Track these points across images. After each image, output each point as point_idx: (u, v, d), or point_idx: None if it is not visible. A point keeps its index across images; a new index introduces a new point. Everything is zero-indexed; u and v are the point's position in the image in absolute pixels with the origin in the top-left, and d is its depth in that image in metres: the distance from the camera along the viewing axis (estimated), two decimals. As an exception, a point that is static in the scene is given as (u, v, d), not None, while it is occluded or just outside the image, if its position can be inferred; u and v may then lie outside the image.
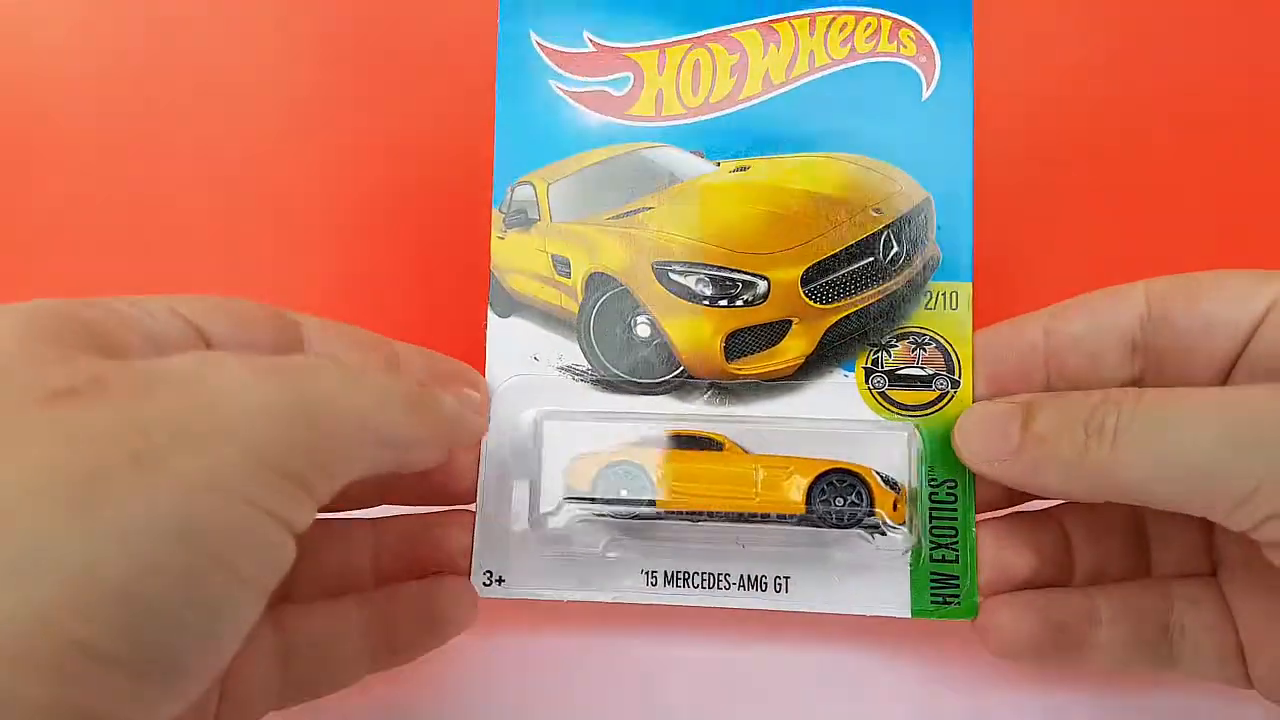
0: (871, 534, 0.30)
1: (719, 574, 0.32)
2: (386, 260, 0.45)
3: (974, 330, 0.33)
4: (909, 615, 0.32)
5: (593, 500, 0.30)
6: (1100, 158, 0.44)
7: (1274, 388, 0.25)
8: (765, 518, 0.29)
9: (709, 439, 0.30)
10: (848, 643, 0.33)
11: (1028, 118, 0.44)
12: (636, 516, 0.30)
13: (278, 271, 0.43)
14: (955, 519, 0.32)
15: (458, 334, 0.35)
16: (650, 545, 0.33)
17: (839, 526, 0.29)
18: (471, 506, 0.33)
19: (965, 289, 0.33)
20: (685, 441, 0.30)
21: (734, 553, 0.32)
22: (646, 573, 0.33)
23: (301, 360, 0.24)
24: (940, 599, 0.32)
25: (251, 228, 0.44)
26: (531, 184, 0.35)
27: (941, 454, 0.32)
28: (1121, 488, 0.27)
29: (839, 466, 0.29)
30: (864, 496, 0.29)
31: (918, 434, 0.32)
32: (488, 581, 0.33)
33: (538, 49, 0.35)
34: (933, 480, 0.32)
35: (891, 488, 0.29)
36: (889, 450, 0.30)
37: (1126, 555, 0.32)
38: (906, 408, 0.33)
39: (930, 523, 0.32)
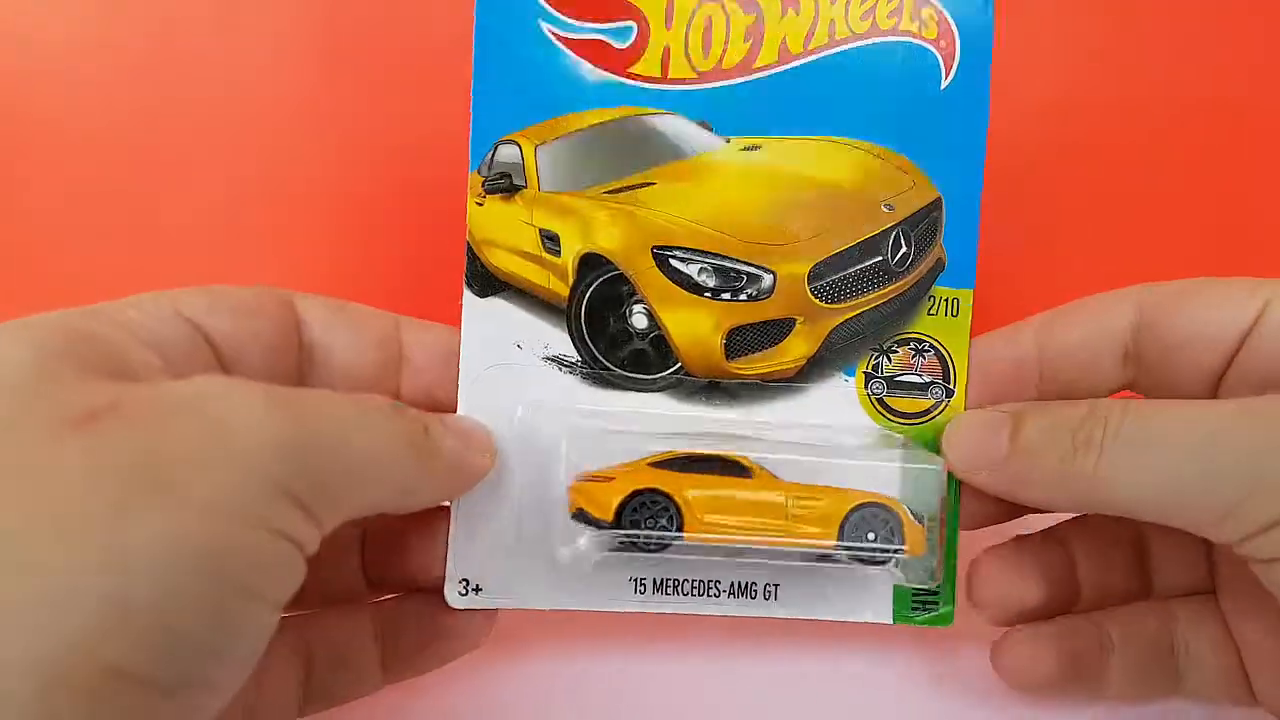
0: (899, 567, 0.29)
1: (709, 581, 0.31)
2: (348, 227, 0.42)
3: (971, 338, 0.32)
4: (890, 622, 0.32)
5: (616, 533, 0.28)
6: (1106, 162, 0.44)
7: (1249, 402, 0.26)
8: (788, 553, 0.28)
9: (735, 463, 0.29)
10: (835, 647, 0.33)
11: (1034, 120, 0.43)
12: (661, 548, 0.28)
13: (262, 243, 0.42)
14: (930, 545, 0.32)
15: (429, 313, 0.31)
16: (638, 552, 0.31)
17: (871, 563, 0.29)
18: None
19: (967, 296, 0.32)
20: (710, 465, 0.28)
21: (723, 561, 0.31)
22: (635, 580, 0.31)
23: (312, 395, 0.23)
24: (920, 606, 0.32)
25: (233, 198, 0.43)
26: (517, 144, 0.31)
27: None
28: (1107, 500, 0.27)
29: (873, 500, 0.28)
30: (895, 532, 0.28)
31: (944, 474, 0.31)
32: (464, 591, 0.30)
33: (530, -18, 0.30)
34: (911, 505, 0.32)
35: (920, 521, 0.29)
36: (922, 486, 0.29)
37: (1129, 574, 0.33)
38: (903, 415, 0.32)
39: (916, 530, 0.32)
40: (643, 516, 0.28)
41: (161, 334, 0.25)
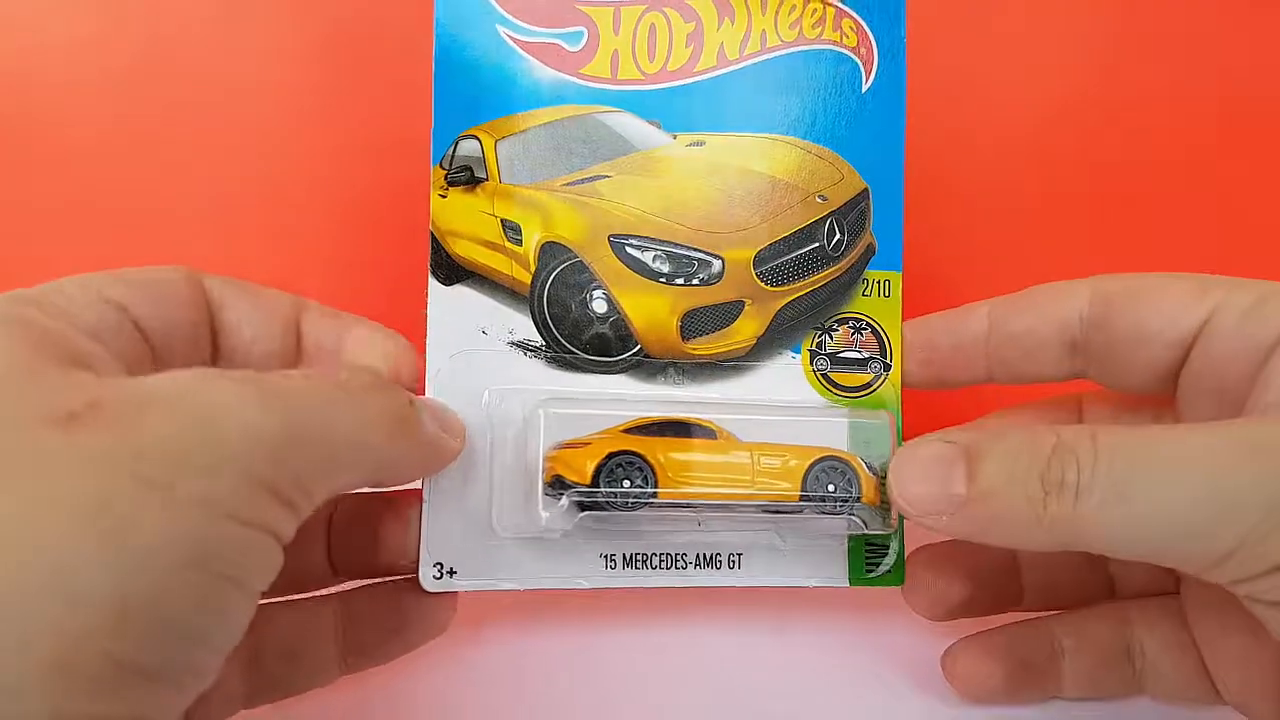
0: (859, 517, 0.31)
1: (676, 554, 0.32)
2: (316, 218, 0.43)
3: (903, 317, 0.35)
4: (847, 584, 0.34)
5: (594, 492, 0.29)
6: (1033, 155, 0.48)
7: (1240, 441, 0.24)
8: (761, 506, 0.30)
9: (702, 426, 0.30)
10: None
11: (959, 114, 0.47)
12: (636, 506, 0.29)
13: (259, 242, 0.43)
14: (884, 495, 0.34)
15: (395, 301, 0.31)
16: (608, 528, 0.32)
17: (832, 513, 0.30)
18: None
19: (896, 278, 0.35)
20: (680, 429, 0.30)
21: (689, 532, 0.32)
22: (605, 556, 0.32)
23: (292, 381, 0.23)
24: (873, 567, 0.34)
25: (232, 198, 0.44)
26: (478, 139, 0.32)
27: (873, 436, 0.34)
28: (1087, 544, 0.25)
29: (830, 454, 0.30)
30: (854, 483, 0.30)
31: (895, 421, 0.33)
32: (438, 574, 0.30)
33: (488, -11, 0.32)
34: (865, 458, 0.34)
35: (873, 473, 0.31)
36: (873, 438, 0.31)
37: (1084, 573, 0.34)
38: (845, 389, 0.34)
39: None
40: (618, 478, 0.29)
41: (95, 322, 0.25)
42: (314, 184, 0.45)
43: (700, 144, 0.34)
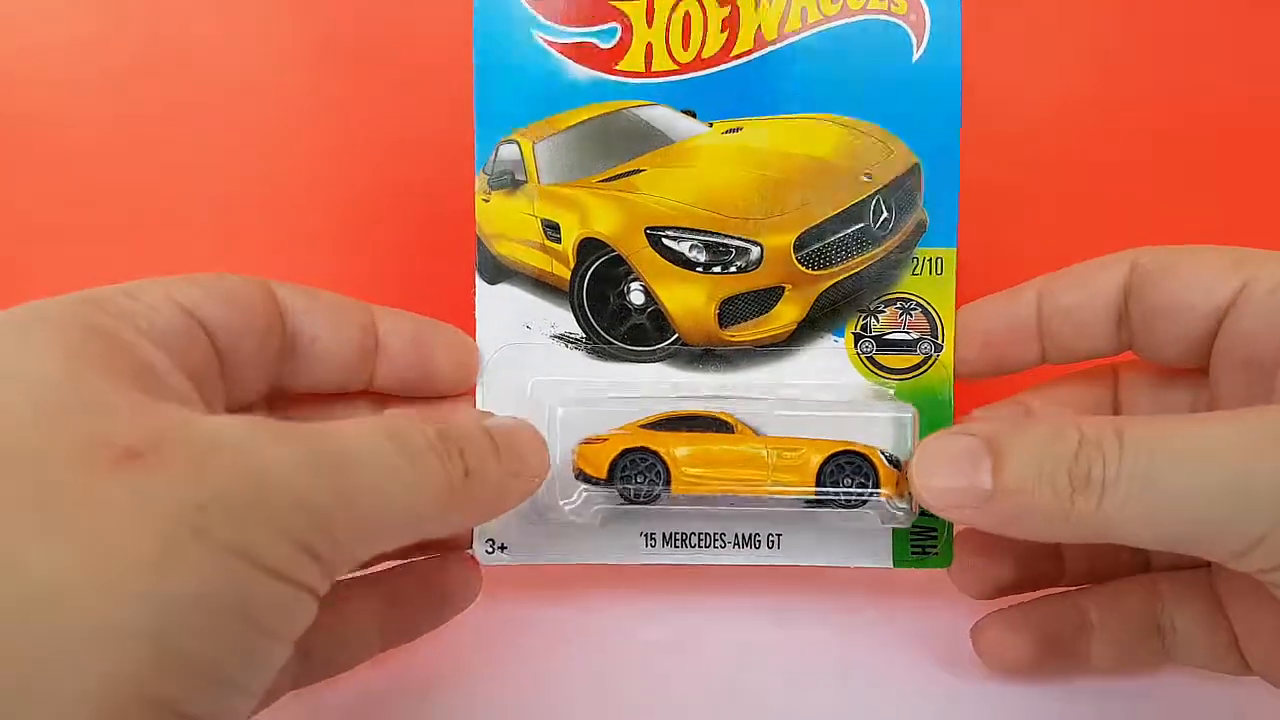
0: (876, 512, 0.31)
1: (715, 533, 0.34)
2: (369, 227, 0.44)
3: (957, 295, 0.34)
4: (891, 566, 0.34)
5: (609, 485, 0.31)
6: (1091, 130, 0.45)
7: (1264, 432, 0.24)
8: (777, 501, 0.31)
9: (719, 420, 0.31)
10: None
11: (1015, 85, 0.44)
12: (650, 500, 0.31)
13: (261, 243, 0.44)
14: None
15: (445, 302, 0.34)
16: (648, 508, 0.34)
17: (847, 507, 0.31)
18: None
19: (950, 254, 0.34)
20: (696, 423, 0.31)
21: (728, 513, 0.34)
22: (645, 535, 0.34)
23: (349, 441, 0.23)
24: (920, 550, 0.34)
25: (233, 198, 0.45)
26: (517, 143, 0.34)
27: (924, 415, 0.34)
28: (1111, 536, 0.25)
29: (847, 448, 0.30)
30: (871, 477, 0.30)
31: (918, 416, 0.33)
32: (490, 550, 0.33)
33: (520, -3, 0.33)
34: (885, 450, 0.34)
35: (895, 466, 0.31)
36: (893, 431, 0.31)
37: (1122, 551, 0.33)
38: (893, 372, 0.34)
39: (912, 479, 0.34)
40: (633, 473, 0.30)
41: (164, 326, 0.25)
42: (315, 182, 0.45)
43: (737, 130, 0.34)
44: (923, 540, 0.34)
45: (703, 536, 0.34)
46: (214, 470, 0.20)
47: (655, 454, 0.30)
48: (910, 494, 0.31)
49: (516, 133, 0.34)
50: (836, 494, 0.30)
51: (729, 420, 0.31)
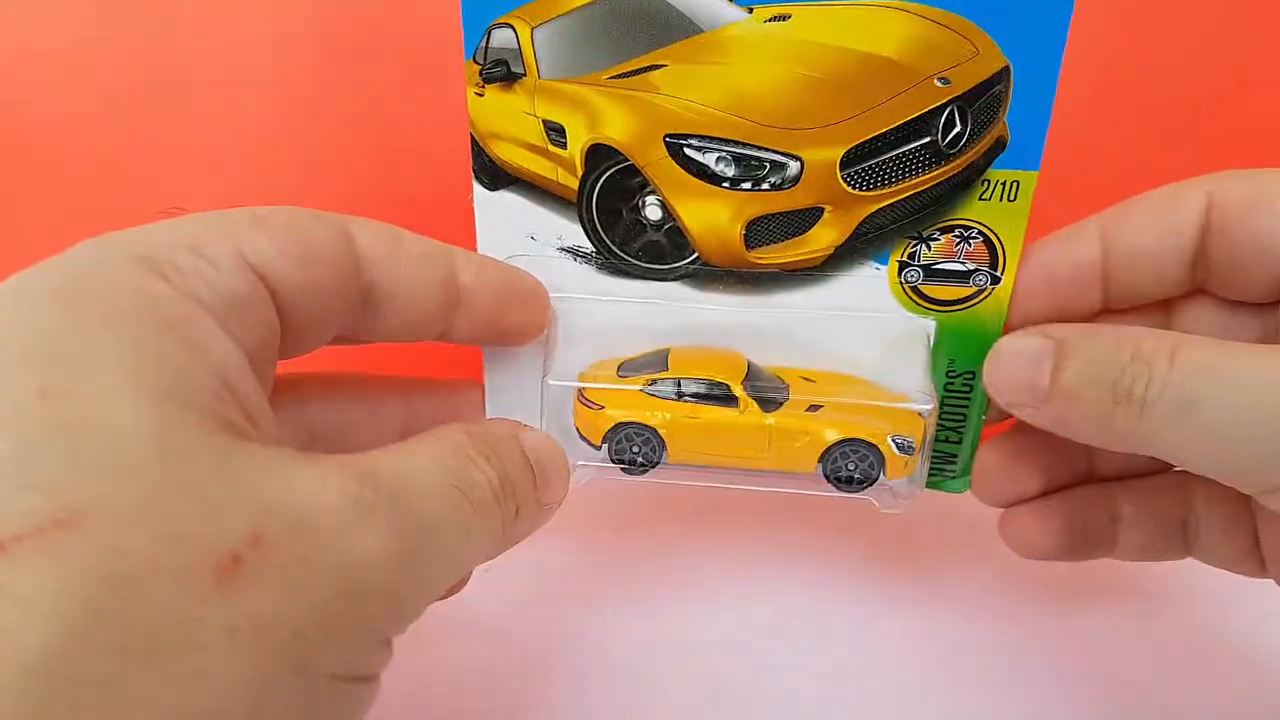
0: (879, 500, 0.30)
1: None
2: (351, 125, 0.42)
3: (1028, 226, 0.29)
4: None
5: (603, 458, 0.30)
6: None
7: None
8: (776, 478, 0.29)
9: (725, 393, 0.29)
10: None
11: None
12: (648, 470, 0.30)
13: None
14: (966, 408, 0.32)
15: (440, 208, 0.30)
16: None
17: (849, 490, 0.29)
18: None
19: (1030, 179, 0.28)
20: (701, 393, 0.29)
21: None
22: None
23: (430, 502, 0.22)
24: (937, 472, 0.33)
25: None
26: (512, 26, 0.28)
27: (965, 348, 0.31)
28: (1151, 452, 0.26)
29: (854, 436, 0.28)
30: (877, 466, 0.29)
31: (933, 335, 0.30)
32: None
33: None
34: (950, 371, 0.31)
35: (904, 451, 0.29)
36: (907, 423, 0.29)
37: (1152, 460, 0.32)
38: (939, 303, 0.30)
39: (941, 408, 0.32)
40: (628, 444, 0.29)
41: (228, 293, 0.22)
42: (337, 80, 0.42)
43: (784, 18, 0.27)
44: (942, 464, 0.33)
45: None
46: (312, 581, 0.19)
47: (652, 430, 0.29)
48: (915, 479, 0.29)
49: (511, 14, 0.27)
50: (839, 477, 0.29)
51: (735, 393, 0.29)
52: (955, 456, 0.33)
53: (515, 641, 0.35)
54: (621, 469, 0.30)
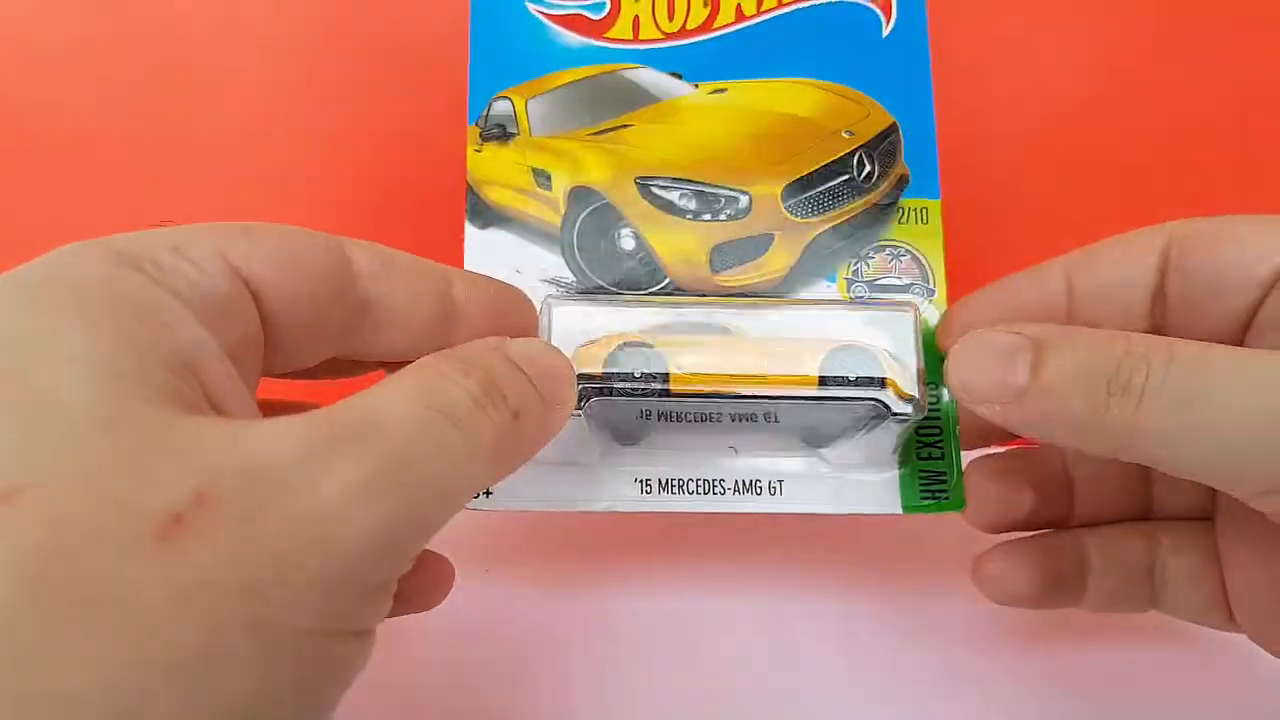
0: (884, 407, 0.30)
1: (714, 480, 0.32)
2: (363, 177, 0.45)
3: (945, 244, 0.34)
4: (900, 512, 0.32)
5: (605, 380, 0.29)
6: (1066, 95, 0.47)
7: None
8: (779, 397, 0.29)
9: (719, 327, 0.30)
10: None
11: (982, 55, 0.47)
12: (648, 394, 0.29)
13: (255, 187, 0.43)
14: (939, 418, 0.33)
15: (435, 248, 0.33)
16: (644, 454, 0.32)
17: (854, 398, 0.29)
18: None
19: (935, 205, 0.35)
20: (695, 327, 0.30)
21: (727, 459, 0.32)
22: (640, 481, 0.32)
23: (403, 427, 0.21)
24: (930, 494, 0.32)
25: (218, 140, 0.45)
26: (510, 99, 0.35)
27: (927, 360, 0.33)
28: (1141, 452, 0.24)
29: (850, 344, 0.30)
30: (875, 371, 0.29)
31: (918, 316, 0.32)
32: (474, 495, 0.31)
33: (515, -31, 0.35)
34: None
35: (897, 361, 0.30)
36: (895, 333, 0.31)
37: (1129, 495, 0.33)
38: (887, 315, 0.34)
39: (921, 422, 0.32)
40: (629, 365, 0.29)
41: (208, 291, 0.22)
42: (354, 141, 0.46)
43: (722, 91, 0.35)
44: (932, 485, 0.32)
45: (700, 483, 0.32)
46: (267, 525, 0.18)
47: (651, 347, 0.29)
48: (914, 395, 0.30)
49: (509, 90, 0.35)
50: (843, 379, 0.29)
51: (729, 326, 0.30)
52: (944, 475, 0.32)
53: (514, 642, 0.31)
54: (620, 391, 0.28)
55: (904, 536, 0.34)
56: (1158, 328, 0.29)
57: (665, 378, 0.29)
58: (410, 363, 0.24)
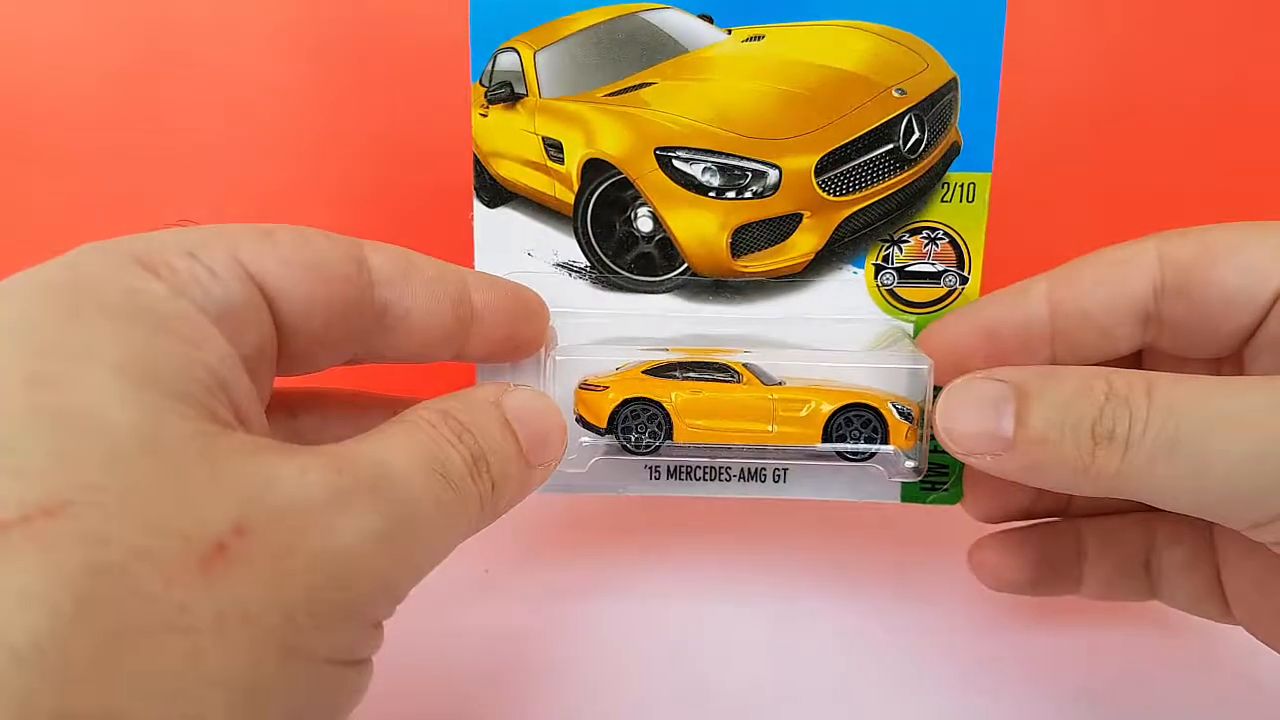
0: (884, 466, 0.30)
1: (720, 467, 0.33)
2: (356, 145, 0.43)
3: (988, 223, 0.32)
4: (899, 501, 0.33)
5: (610, 435, 0.30)
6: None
7: None
8: (782, 450, 0.30)
9: (726, 368, 0.30)
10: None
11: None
12: (653, 452, 0.30)
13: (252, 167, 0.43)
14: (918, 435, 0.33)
15: (440, 226, 0.32)
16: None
17: (854, 461, 0.30)
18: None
19: (984, 180, 0.31)
20: (702, 371, 0.30)
21: (734, 447, 0.33)
22: (650, 467, 0.33)
23: (409, 485, 0.22)
24: (929, 485, 0.33)
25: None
26: (516, 50, 0.31)
27: None
28: (1132, 494, 0.25)
29: (856, 400, 0.29)
30: (880, 431, 0.29)
31: (911, 336, 0.32)
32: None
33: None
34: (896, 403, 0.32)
35: (905, 418, 0.30)
36: (907, 381, 0.30)
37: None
38: (914, 305, 0.32)
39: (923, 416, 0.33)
40: (634, 423, 0.29)
41: (225, 302, 0.22)
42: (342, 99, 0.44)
43: (758, 39, 0.31)
44: (932, 476, 0.33)
45: (708, 470, 0.33)
46: (298, 560, 0.19)
47: (657, 404, 0.29)
48: (919, 447, 0.30)
49: (515, 39, 0.31)
50: (843, 449, 0.29)
51: (735, 368, 0.30)
52: (946, 468, 0.33)
53: (514, 642, 0.33)
54: (626, 447, 0.29)
55: (903, 526, 0.35)
56: (1148, 346, 0.29)
57: (668, 436, 0.29)
58: (424, 360, 0.27)
